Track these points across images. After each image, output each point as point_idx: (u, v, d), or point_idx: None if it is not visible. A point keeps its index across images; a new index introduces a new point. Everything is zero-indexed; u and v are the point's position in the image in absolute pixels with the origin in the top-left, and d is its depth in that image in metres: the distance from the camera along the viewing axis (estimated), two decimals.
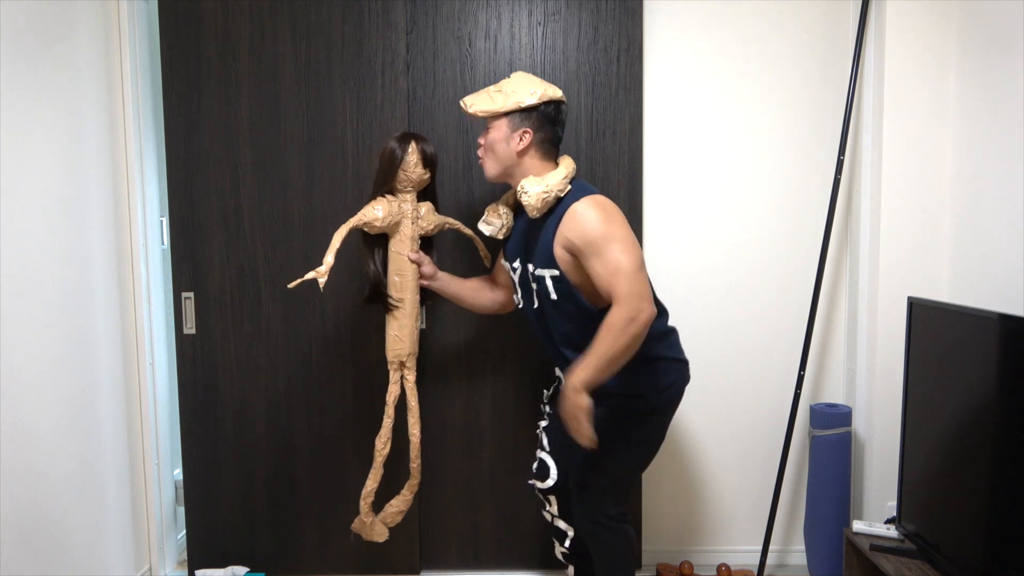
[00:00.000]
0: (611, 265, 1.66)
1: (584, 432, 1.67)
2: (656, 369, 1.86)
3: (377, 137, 2.38)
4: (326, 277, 1.86)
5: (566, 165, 1.83)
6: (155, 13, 2.52)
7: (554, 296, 1.81)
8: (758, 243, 2.50)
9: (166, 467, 2.58)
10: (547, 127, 1.83)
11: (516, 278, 1.96)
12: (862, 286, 2.40)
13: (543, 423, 2.15)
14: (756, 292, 2.52)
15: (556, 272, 1.77)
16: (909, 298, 2.01)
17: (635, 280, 1.65)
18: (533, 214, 1.79)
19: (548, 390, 2.21)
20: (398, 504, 2.18)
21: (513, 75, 1.89)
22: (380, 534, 2.18)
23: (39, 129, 1.99)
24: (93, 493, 2.21)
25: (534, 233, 1.85)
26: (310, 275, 1.86)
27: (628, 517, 1.96)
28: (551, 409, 2.13)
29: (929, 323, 1.92)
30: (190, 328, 2.45)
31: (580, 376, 1.66)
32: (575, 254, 1.73)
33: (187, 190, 2.41)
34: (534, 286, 1.87)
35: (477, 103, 1.83)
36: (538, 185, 1.76)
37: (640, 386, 1.84)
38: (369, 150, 2.39)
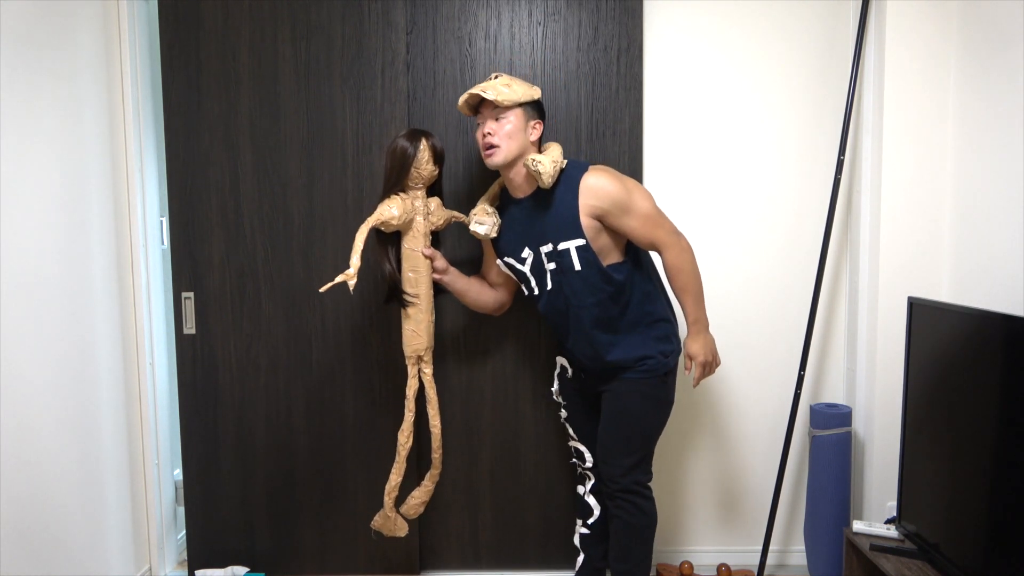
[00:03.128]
0: (641, 216, 1.91)
1: (718, 363, 2.01)
2: (663, 332, 2.03)
3: (377, 137, 2.38)
4: (355, 279, 1.88)
5: (557, 144, 2.01)
6: (155, 13, 2.52)
7: (578, 267, 1.94)
8: (758, 243, 2.50)
9: (166, 467, 2.58)
10: (544, 119, 2.02)
11: (527, 268, 2.05)
12: (862, 286, 2.40)
13: (563, 414, 2.25)
14: (756, 292, 2.52)
15: (582, 241, 1.92)
16: (909, 298, 2.01)
17: (664, 220, 1.94)
18: (548, 182, 1.91)
19: (555, 383, 2.26)
20: (420, 495, 2.22)
21: (500, 75, 1.98)
22: (402, 529, 2.22)
23: (39, 129, 1.99)
24: (93, 493, 2.21)
25: (541, 215, 1.97)
26: (340, 279, 1.87)
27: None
28: (564, 400, 2.23)
29: (929, 323, 1.92)
30: (190, 328, 2.44)
31: (699, 320, 1.97)
32: (603, 217, 1.91)
33: (187, 190, 2.41)
34: (551, 266, 1.98)
35: (501, 93, 1.91)
36: (547, 157, 1.92)
37: (653, 350, 2.01)
38: (369, 150, 2.39)
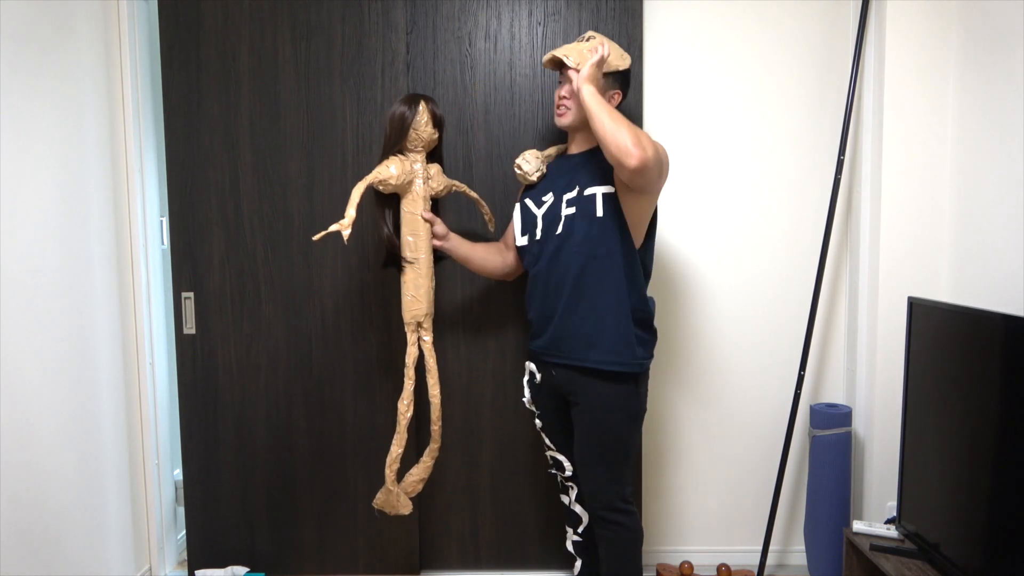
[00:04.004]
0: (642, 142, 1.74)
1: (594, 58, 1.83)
2: (646, 337, 1.97)
3: (377, 137, 2.38)
4: (350, 229, 1.85)
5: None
6: (155, 13, 2.52)
7: (600, 213, 1.88)
8: (758, 243, 2.50)
9: (166, 467, 2.58)
10: (626, 90, 2.01)
11: (541, 212, 2.00)
12: (862, 286, 2.40)
13: (538, 423, 2.16)
14: (756, 292, 2.52)
15: (610, 188, 1.88)
16: (909, 298, 2.01)
17: (655, 145, 1.75)
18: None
19: (526, 391, 2.15)
20: (419, 472, 2.14)
21: (595, 35, 1.96)
22: (405, 506, 2.13)
23: (39, 129, 1.99)
24: (93, 493, 2.21)
25: (581, 167, 1.96)
26: (334, 227, 1.84)
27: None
28: (538, 408, 2.13)
29: (929, 323, 1.92)
30: (190, 328, 2.45)
31: (587, 76, 1.80)
32: None
33: (187, 190, 2.41)
34: (570, 210, 1.93)
35: (580, 59, 1.88)
36: None
37: (630, 346, 1.93)
38: (369, 150, 2.39)
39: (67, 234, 2.11)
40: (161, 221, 2.57)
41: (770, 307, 2.52)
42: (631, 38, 2.36)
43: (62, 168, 2.09)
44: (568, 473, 2.14)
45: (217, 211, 2.42)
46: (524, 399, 2.17)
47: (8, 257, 1.86)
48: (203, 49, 2.37)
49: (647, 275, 2.00)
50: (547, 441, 2.15)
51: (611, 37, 2.36)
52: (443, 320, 2.46)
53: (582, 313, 1.92)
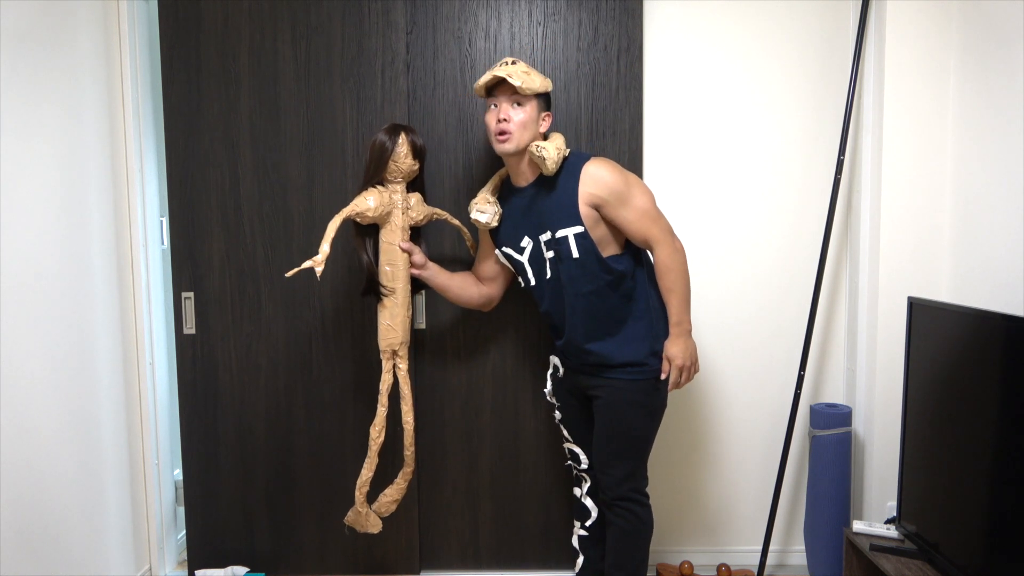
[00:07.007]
0: (638, 210, 1.91)
1: (696, 370, 1.99)
2: (656, 334, 1.99)
3: None
4: (323, 266, 1.89)
5: (560, 134, 2.03)
6: (155, 13, 2.52)
7: (576, 254, 1.93)
8: (758, 243, 2.50)
9: (166, 467, 2.58)
10: (551, 111, 2.04)
11: (526, 258, 2.05)
12: (862, 286, 2.40)
13: (557, 415, 2.22)
14: (756, 292, 2.52)
15: (580, 228, 1.92)
16: (909, 298, 2.01)
17: (660, 218, 1.94)
18: (552, 168, 1.92)
19: (548, 383, 2.23)
20: (392, 493, 2.20)
21: (517, 61, 1.96)
22: (375, 525, 2.19)
23: (39, 129, 1.99)
24: (93, 493, 2.21)
25: (541, 203, 1.98)
26: (307, 264, 1.88)
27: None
28: (558, 401, 2.21)
29: (929, 323, 1.92)
30: (190, 328, 2.45)
31: (682, 323, 1.95)
32: (600, 207, 1.91)
33: (187, 190, 2.41)
34: (550, 254, 1.99)
35: (524, 80, 1.91)
36: (552, 144, 1.93)
37: (643, 354, 1.98)
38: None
39: (67, 234, 2.11)
40: (161, 221, 2.58)
41: (770, 307, 2.52)
42: (631, 38, 2.36)
43: (62, 168, 2.09)
44: (584, 466, 2.20)
45: (217, 211, 2.42)
46: (545, 391, 2.24)
47: (8, 257, 1.86)
48: (203, 49, 2.37)
49: (651, 273, 2.02)
50: (565, 433, 2.22)
51: (611, 37, 2.36)
52: (443, 322, 2.46)
53: (587, 342, 2.00)
